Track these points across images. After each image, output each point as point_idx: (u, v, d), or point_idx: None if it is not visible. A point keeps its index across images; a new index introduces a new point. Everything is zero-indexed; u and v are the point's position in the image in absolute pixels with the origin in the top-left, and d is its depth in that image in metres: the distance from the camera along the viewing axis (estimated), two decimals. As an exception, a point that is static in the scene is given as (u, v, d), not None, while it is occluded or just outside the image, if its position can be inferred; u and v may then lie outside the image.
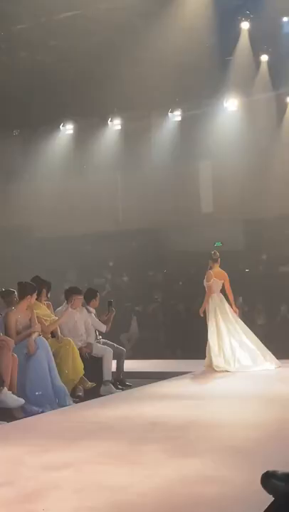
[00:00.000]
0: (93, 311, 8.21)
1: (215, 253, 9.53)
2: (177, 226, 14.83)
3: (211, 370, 8.83)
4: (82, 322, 7.75)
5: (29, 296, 6.62)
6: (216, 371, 8.78)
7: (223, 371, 8.74)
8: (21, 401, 5.83)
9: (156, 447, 4.36)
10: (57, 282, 10.61)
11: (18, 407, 5.84)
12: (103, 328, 8.07)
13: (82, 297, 7.92)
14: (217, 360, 8.91)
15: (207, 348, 9.18)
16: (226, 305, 9.36)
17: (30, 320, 6.55)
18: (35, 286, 6.73)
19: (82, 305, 8.04)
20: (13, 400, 5.77)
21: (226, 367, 8.85)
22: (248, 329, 9.27)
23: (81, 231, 15.33)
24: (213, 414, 5.61)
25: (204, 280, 9.46)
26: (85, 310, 7.91)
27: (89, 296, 8.30)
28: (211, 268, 9.46)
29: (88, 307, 8.16)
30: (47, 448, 4.40)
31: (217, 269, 9.45)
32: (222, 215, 14.43)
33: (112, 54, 11.81)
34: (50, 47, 11.76)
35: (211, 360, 8.95)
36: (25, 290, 6.64)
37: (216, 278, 9.39)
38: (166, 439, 4.64)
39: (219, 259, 9.48)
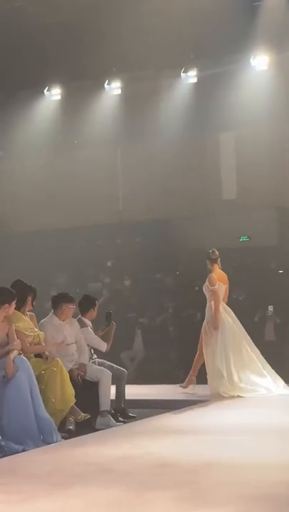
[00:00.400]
0: (89, 323, 8.27)
1: (213, 252, 9.74)
2: (192, 216, 14.87)
3: (219, 397, 9.07)
4: (73, 338, 7.80)
5: (7, 305, 6.68)
6: (225, 397, 9.02)
7: (233, 396, 9.03)
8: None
9: (165, 495, 4.41)
10: (42, 287, 10.66)
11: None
12: (103, 346, 8.15)
13: (73, 306, 7.97)
14: (225, 385, 9.17)
15: (211, 370, 9.34)
16: (232, 314, 9.60)
17: (7, 335, 6.60)
18: (13, 294, 6.79)
19: (73, 316, 8.12)
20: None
21: (236, 391, 9.12)
22: (254, 346, 9.59)
23: (72, 224, 15.40)
24: (234, 453, 5.66)
25: (206, 285, 9.62)
26: (76, 323, 7.97)
27: (85, 305, 8.37)
28: (211, 271, 9.65)
29: (83, 319, 8.22)
30: (27, 496, 4.45)
31: (218, 271, 9.66)
32: (248, 202, 14.46)
33: (111, 1, 11.86)
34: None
35: (217, 385, 9.19)
36: (1, 298, 6.70)
37: (220, 282, 9.60)
38: (177, 484, 4.69)
39: (219, 260, 9.70)
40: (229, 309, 9.70)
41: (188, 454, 5.74)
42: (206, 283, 9.59)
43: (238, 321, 9.69)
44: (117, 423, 7.63)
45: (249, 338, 9.64)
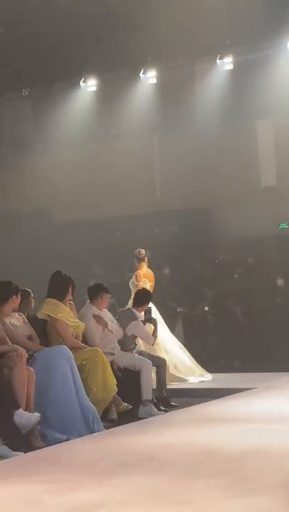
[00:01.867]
0: (140, 316, 8.27)
1: (139, 252, 10.26)
2: (231, 204, 14.75)
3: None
4: (112, 327, 7.81)
5: (14, 297, 6.71)
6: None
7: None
8: (37, 415, 5.89)
9: (209, 483, 4.37)
10: (81, 278, 10.70)
11: (35, 425, 5.90)
12: (151, 341, 8.19)
13: (109, 296, 7.97)
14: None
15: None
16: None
17: None
18: (17, 287, 6.80)
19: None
20: (28, 417, 5.83)
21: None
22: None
23: (109, 214, 15.41)
24: (281, 441, 5.59)
25: (132, 280, 10.12)
26: (108, 312, 7.97)
27: (141, 299, 8.36)
28: (138, 268, 10.16)
29: (135, 311, 8.23)
30: (72, 484, 4.46)
31: (145, 268, 10.13)
32: (287, 189, 14.28)
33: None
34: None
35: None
36: (8, 290, 6.73)
37: (146, 279, 10.03)
38: (222, 472, 4.65)
39: (146, 258, 10.19)
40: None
41: (231, 442, 5.69)
42: (132, 279, 10.19)
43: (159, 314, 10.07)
44: (159, 412, 7.61)
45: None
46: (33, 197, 16.02)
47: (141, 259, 10.16)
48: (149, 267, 10.33)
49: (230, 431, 6.21)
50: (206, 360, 12.52)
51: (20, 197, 16.10)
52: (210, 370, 11.33)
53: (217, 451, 5.33)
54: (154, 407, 7.58)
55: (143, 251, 10.21)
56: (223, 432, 6.16)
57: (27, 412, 5.89)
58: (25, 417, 5.81)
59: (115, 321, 8.04)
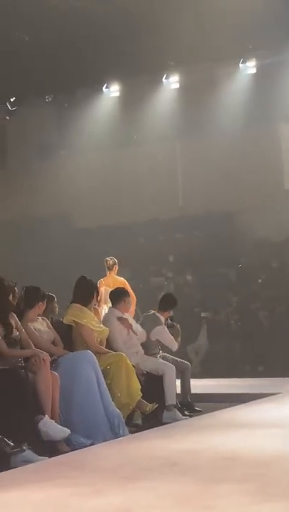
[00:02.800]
0: (164, 321, 8.27)
1: (106, 261, 10.26)
2: (254, 208, 14.73)
3: None
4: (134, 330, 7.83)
5: (40, 304, 6.78)
6: None
7: None
8: (66, 431, 5.96)
9: (234, 488, 4.36)
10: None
11: (63, 439, 5.97)
12: (175, 347, 8.19)
13: (129, 299, 7.99)
14: None
15: None
16: None
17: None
18: (43, 293, 6.86)
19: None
20: (57, 430, 5.90)
21: None
22: None
23: (132, 219, 15.48)
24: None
25: None
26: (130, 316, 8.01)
27: (166, 304, 8.38)
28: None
29: (160, 316, 8.25)
30: (97, 489, 4.48)
31: (112, 277, 10.08)
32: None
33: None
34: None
35: None
36: (36, 296, 6.78)
37: (107, 287, 9.76)
38: (247, 477, 4.64)
39: (116, 266, 10.16)
40: None
41: (256, 447, 5.67)
42: None
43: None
44: (183, 417, 7.62)
45: None
46: (56, 202, 16.13)
47: (108, 268, 10.20)
48: (118, 274, 10.28)
49: (254, 436, 6.19)
50: (230, 365, 12.53)
51: (43, 202, 16.23)
52: (234, 375, 11.33)
53: (241, 456, 5.31)
54: (178, 412, 7.59)
55: (110, 260, 10.23)
56: (247, 438, 6.14)
57: (56, 424, 5.93)
58: (52, 429, 5.86)
59: (138, 325, 8.06)
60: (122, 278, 10.06)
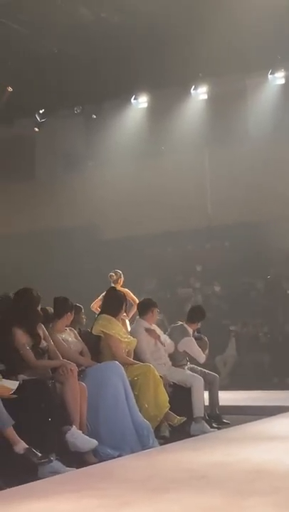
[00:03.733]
0: (191, 333, 8.26)
1: (110, 276, 10.09)
2: (283, 218, 14.66)
3: None
4: (162, 341, 7.83)
5: (69, 314, 6.83)
6: None
7: None
8: (94, 443, 5.97)
9: (263, 501, 4.34)
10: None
11: (90, 450, 5.98)
12: (202, 359, 8.17)
13: (156, 309, 7.99)
14: None
15: None
16: None
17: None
18: (72, 305, 6.89)
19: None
20: (85, 441, 5.92)
21: None
22: None
23: (160, 229, 15.50)
24: None
25: None
26: (157, 327, 8.01)
27: (195, 315, 8.37)
28: None
29: (187, 327, 8.25)
30: (125, 500, 4.49)
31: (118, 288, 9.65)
32: None
33: (195, 6, 11.87)
34: (118, 2, 11.97)
35: None
36: (64, 307, 6.82)
37: None
38: (275, 490, 4.61)
39: (121, 280, 10.00)
40: None
41: (284, 460, 5.64)
42: None
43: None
44: (211, 429, 7.59)
45: None
46: (83, 212, 16.22)
47: (113, 282, 10.11)
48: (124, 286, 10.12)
49: (282, 449, 6.16)
50: (259, 377, 12.45)
51: (70, 213, 16.34)
52: (262, 387, 11.26)
53: (269, 469, 5.29)
54: (206, 424, 7.56)
55: (114, 274, 10.14)
56: (276, 450, 6.10)
57: (84, 435, 5.95)
58: (80, 440, 5.88)
59: (166, 336, 8.05)
60: (126, 289, 10.02)
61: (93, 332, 7.13)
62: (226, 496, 4.53)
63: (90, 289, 11.04)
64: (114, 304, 7.19)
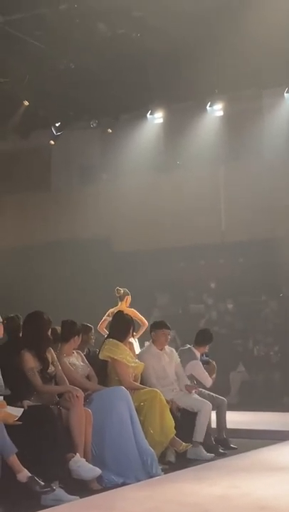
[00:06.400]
0: (199, 356, 8.17)
1: (118, 291, 9.86)
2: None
3: None
4: (172, 367, 7.75)
5: (76, 338, 6.78)
6: None
7: None
8: (98, 471, 5.92)
9: None
10: (144, 309, 10.75)
11: (94, 478, 5.93)
12: (209, 383, 8.07)
13: (166, 332, 7.87)
14: None
15: None
16: None
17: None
18: (79, 329, 6.85)
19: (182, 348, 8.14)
20: (88, 470, 5.87)
21: None
22: None
23: (173, 244, 15.41)
24: None
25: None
26: (174, 353, 7.92)
27: (203, 339, 8.27)
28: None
29: (195, 350, 8.16)
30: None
31: (123, 307, 9.58)
32: None
33: (211, 22, 11.82)
34: (135, 18, 11.95)
35: None
36: (72, 330, 6.78)
37: None
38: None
39: (128, 298, 9.76)
40: None
41: (290, 496, 5.53)
42: None
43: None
44: (208, 455, 7.44)
45: None
46: (97, 225, 16.20)
47: (120, 298, 9.98)
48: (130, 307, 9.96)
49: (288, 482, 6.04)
50: (269, 397, 12.33)
51: (84, 225, 16.32)
52: (273, 407, 11.13)
53: (275, 506, 5.16)
54: (203, 449, 7.44)
55: (122, 290, 10.00)
56: (283, 483, 5.99)
57: (87, 464, 5.90)
58: (83, 469, 5.84)
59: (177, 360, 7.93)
60: (132, 309, 9.90)
61: (100, 357, 7.08)
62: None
63: (101, 301, 11.01)
64: (121, 328, 7.14)
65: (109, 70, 13.18)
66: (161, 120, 15.05)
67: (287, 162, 14.49)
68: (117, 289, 10.11)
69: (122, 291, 10.06)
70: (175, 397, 7.54)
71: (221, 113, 14.52)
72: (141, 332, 9.69)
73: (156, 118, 15.02)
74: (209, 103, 14.37)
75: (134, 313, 9.63)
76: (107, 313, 9.93)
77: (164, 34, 12.29)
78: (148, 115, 14.96)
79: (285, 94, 13.89)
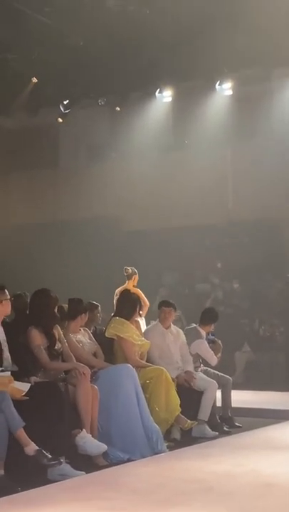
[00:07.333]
0: (204, 335, 8.18)
1: (126, 270, 9.66)
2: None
3: None
4: (178, 346, 7.78)
5: (83, 315, 6.82)
6: None
7: None
8: (103, 447, 5.97)
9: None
10: (150, 288, 10.76)
11: (99, 454, 5.98)
12: (214, 361, 8.08)
13: (171, 310, 7.87)
14: None
15: None
16: None
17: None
18: (86, 306, 6.88)
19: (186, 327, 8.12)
20: (94, 445, 5.93)
21: None
22: None
23: (180, 223, 15.40)
24: None
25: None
26: (181, 332, 7.94)
27: (208, 318, 8.29)
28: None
29: (200, 329, 8.17)
30: (128, 511, 4.48)
31: (129, 287, 9.33)
32: None
33: (222, 0, 11.71)
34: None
35: None
36: (78, 307, 6.82)
37: None
38: (282, 508, 4.56)
39: (136, 277, 9.53)
40: None
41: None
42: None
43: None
44: (212, 433, 7.48)
45: None
46: (104, 205, 16.19)
47: (128, 277, 9.74)
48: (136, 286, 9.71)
49: (293, 460, 6.09)
50: (274, 377, 12.38)
51: (92, 203, 16.32)
52: (277, 387, 11.17)
53: (280, 483, 5.21)
54: (208, 427, 7.48)
55: (130, 269, 9.77)
56: (287, 461, 6.03)
57: (93, 439, 5.95)
58: (89, 444, 5.89)
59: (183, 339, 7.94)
60: (138, 289, 9.85)
61: (106, 335, 7.11)
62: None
63: (109, 279, 11.02)
64: (128, 306, 7.16)
65: (118, 48, 13.07)
66: (170, 99, 14.94)
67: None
68: (125, 269, 10.06)
69: (130, 270, 10.01)
70: (181, 373, 7.56)
71: (230, 92, 14.41)
72: (145, 312, 9.69)
73: (165, 97, 14.91)
74: (218, 82, 14.24)
75: (139, 293, 9.63)
76: (115, 292, 9.92)
77: (174, 11, 12.17)
78: (157, 93, 14.85)
79: (295, 73, 13.77)
